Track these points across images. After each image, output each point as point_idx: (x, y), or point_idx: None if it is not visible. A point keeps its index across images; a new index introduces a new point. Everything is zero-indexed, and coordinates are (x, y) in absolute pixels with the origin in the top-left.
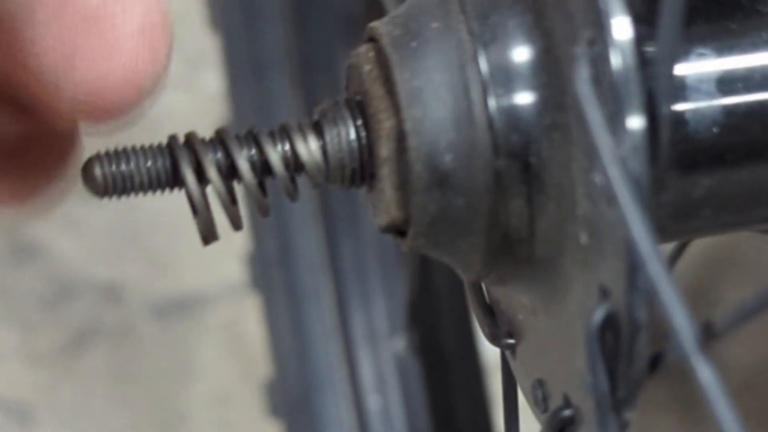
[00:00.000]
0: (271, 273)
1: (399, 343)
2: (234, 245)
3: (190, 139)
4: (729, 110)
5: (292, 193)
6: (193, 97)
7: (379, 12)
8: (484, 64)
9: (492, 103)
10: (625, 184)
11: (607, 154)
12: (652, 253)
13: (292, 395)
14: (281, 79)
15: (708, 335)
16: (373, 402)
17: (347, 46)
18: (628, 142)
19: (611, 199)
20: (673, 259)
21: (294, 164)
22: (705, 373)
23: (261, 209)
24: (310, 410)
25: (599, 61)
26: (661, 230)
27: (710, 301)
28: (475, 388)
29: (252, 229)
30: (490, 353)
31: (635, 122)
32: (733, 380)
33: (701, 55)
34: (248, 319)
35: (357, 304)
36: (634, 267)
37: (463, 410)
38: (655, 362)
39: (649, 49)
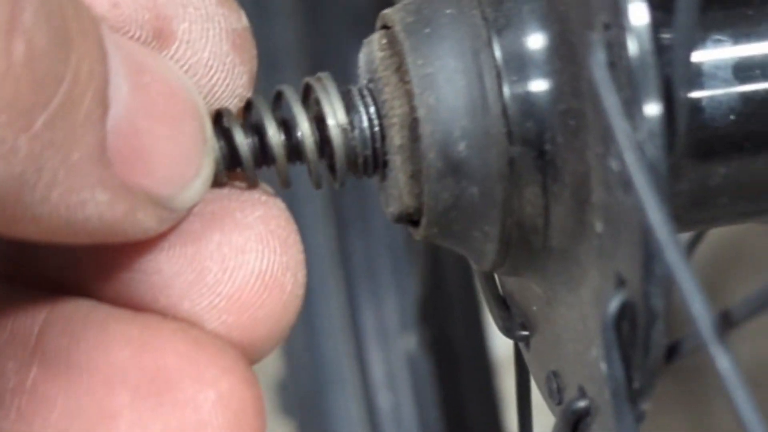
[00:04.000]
0: None
1: (410, 341)
2: None
3: (224, 117)
4: (746, 97)
5: (318, 178)
6: None
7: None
8: (498, 51)
9: (506, 89)
10: (642, 170)
11: (624, 140)
12: (669, 239)
13: (303, 393)
14: (292, 73)
15: (726, 324)
16: (383, 399)
17: (358, 42)
18: (645, 128)
19: (628, 185)
20: (690, 248)
21: (325, 147)
22: (723, 362)
23: (285, 183)
24: (321, 408)
25: (615, 45)
26: (678, 219)
27: (717, 297)
28: (485, 385)
29: None
30: (500, 350)
31: (653, 108)
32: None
33: (718, 42)
34: None
35: (368, 301)
36: (651, 254)
37: (474, 407)
38: (672, 352)
39: (666, 35)
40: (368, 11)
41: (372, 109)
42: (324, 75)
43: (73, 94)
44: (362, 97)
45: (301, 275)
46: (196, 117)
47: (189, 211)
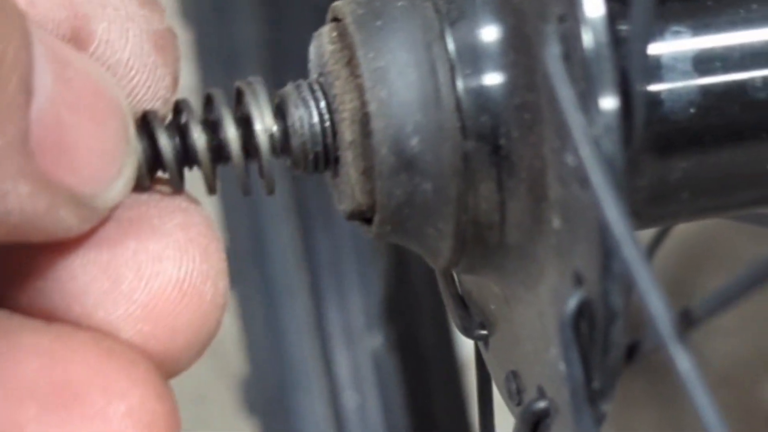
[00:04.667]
0: (245, 269)
1: (376, 340)
2: None
3: (148, 119)
4: (706, 90)
5: (246, 183)
6: None
7: None
8: (451, 43)
9: (460, 83)
10: (599, 165)
11: (579, 134)
12: (627, 236)
13: (268, 393)
14: (254, 71)
15: (686, 323)
16: (349, 399)
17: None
18: (601, 122)
19: (584, 180)
20: (653, 246)
21: (251, 148)
22: (683, 362)
23: (211, 189)
24: (286, 408)
25: (570, 37)
26: (637, 215)
27: (687, 295)
28: (452, 383)
29: (226, 224)
30: (466, 348)
31: (608, 101)
32: (710, 374)
33: (677, 33)
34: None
35: (333, 300)
36: (608, 252)
37: (440, 406)
38: (632, 351)
39: (623, 27)
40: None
41: (322, 104)
42: (255, 79)
43: None
44: (312, 91)
45: (222, 284)
46: (119, 116)
47: (108, 214)
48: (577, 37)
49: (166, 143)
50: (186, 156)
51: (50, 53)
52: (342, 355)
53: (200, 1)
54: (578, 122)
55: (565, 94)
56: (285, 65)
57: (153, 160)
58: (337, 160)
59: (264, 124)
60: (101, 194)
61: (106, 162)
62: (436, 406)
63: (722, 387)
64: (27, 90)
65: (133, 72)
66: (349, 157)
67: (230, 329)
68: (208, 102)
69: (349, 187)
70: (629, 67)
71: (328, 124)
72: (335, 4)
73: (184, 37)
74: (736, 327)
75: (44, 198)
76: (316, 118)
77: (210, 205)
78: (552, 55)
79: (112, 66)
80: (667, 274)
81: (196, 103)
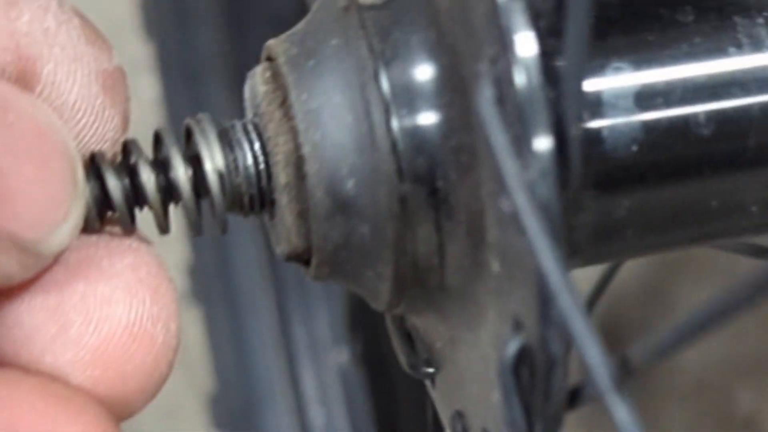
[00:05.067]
0: (211, 284)
1: (342, 354)
2: (174, 256)
3: (96, 160)
4: (648, 126)
5: (197, 223)
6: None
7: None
8: (385, 84)
9: (395, 124)
10: (534, 212)
11: (513, 180)
12: (562, 284)
13: (235, 409)
14: (215, 83)
15: (624, 371)
16: (316, 414)
17: None
18: (535, 166)
19: (520, 227)
20: (603, 284)
21: (201, 188)
22: (620, 413)
23: (162, 229)
24: (253, 424)
25: (503, 80)
26: (582, 253)
27: (665, 302)
28: (419, 398)
29: (191, 240)
30: None
31: (542, 144)
32: (685, 380)
33: (618, 69)
34: (190, 331)
35: (298, 315)
36: (546, 299)
37: (407, 420)
38: (574, 398)
39: (560, 63)
40: (294, 18)
41: (257, 146)
42: (204, 116)
43: None
44: (246, 133)
45: (174, 326)
46: (65, 158)
47: (55, 258)
48: (509, 81)
49: (114, 184)
50: (136, 197)
51: None
52: (308, 370)
53: (162, 14)
54: (512, 168)
55: (499, 139)
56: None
57: (102, 202)
58: (272, 202)
59: (214, 163)
60: (45, 240)
61: (51, 206)
62: (403, 421)
63: (697, 393)
64: None
65: (80, 114)
66: (284, 199)
67: (198, 344)
68: (158, 140)
69: (284, 229)
70: (565, 107)
71: (263, 166)
72: (269, 42)
73: (146, 50)
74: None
75: None
76: (250, 160)
77: (175, 221)
78: (485, 98)
79: (58, 108)
80: (644, 281)
81: (157, 116)
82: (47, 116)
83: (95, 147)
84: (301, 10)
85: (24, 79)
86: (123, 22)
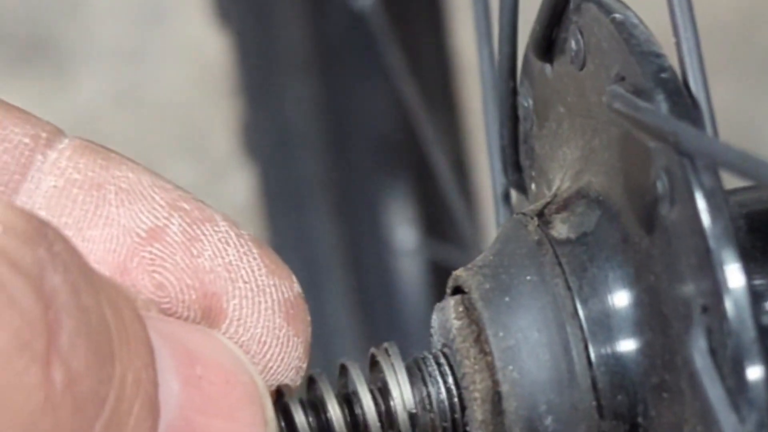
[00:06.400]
0: None
1: None
2: None
3: (284, 397)
4: None
5: None
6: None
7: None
8: (584, 321)
9: (594, 362)
10: None
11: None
12: None
13: None
14: (318, 212)
15: None
16: None
17: (383, 178)
18: (752, 419)
19: None
20: None
21: (388, 423)
22: None
23: None
24: None
25: (716, 332)
26: None
27: None
28: None
29: None
30: None
31: (759, 399)
32: (708, 20)
33: None
34: None
35: None
36: None
37: None
38: None
39: None
40: (394, 146)
41: (450, 380)
42: (390, 345)
43: (119, 411)
44: (439, 365)
45: None
46: (254, 401)
47: None
48: (724, 333)
49: (302, 421)
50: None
51: (176, 353)
52: None
53: (264, 138)
54: (730, 421)
55: (714, 393)
56: (349, 203)
57: None
58: None
59: (404, 401)
60: None
61: None
62: None
63: (720, 32)
64: (153, 410)
65: (266, 347)
66: None
67: None
68: (343, 371)
69: None
70: None
71: (456, 399)
72: (456, 273)
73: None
74: None
75: None
76: (444, 394)
77: None
78: (698, 348)
79: (245, 343)
80: None
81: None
82: (234, 358)
83: (282, 377)
84: (406, 134)
85: (210, 317)
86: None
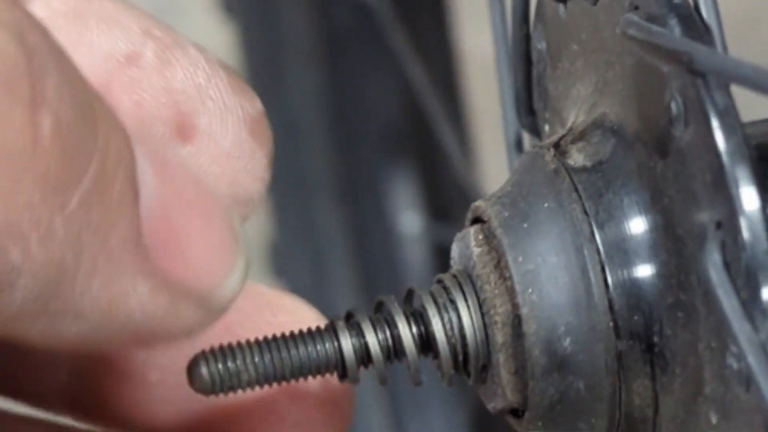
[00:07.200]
0: None
1: None
2: None
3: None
4: None
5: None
6: None
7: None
8: (601, 245)
9: (611, 284)
10: (766, 373)
11: (746, 343)
12: None
13: None
14: (325, 196)
15: None
16: None
17: (389, 162)
18: (765, 329)
19: (749, 383)
20: None
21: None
22: None
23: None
24: None
25: (730, 246)
26: None
27: None
28: None
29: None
30: None
31: None
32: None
33: None
34: None
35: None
36: None
37: None
38: None
39: None
40: (399, 130)
41: (473, 306)
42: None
43: (105, 172)
44: (462, 293)
45: None
46: (222, 211)
47: (223, 314)
48: (738, 247)
49: (372, 339)
50: (395, 350)
51: (150, 153)
52: None
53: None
54: (744, 330)
55: (730, 304)
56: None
57: (362, 354)
58: (486, 363)
59: (438, 322)
60: (216, 291)
61: (217, 258)
62: None
63: None
64: (133, 186)
65: (234, 160)
66: (500, 358)
67: None
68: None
69: (499, 387)
70: None
71: (478, 326)
72: (476, 204)
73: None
74: None
75: (164, 296)
76: (467, 320)
77: None
78: (712, 263)
79: (216, 156)
80: None
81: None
82: (202, 171)
83: (249, 189)
84: (410, 121)
85: (183, 132)
86: None
